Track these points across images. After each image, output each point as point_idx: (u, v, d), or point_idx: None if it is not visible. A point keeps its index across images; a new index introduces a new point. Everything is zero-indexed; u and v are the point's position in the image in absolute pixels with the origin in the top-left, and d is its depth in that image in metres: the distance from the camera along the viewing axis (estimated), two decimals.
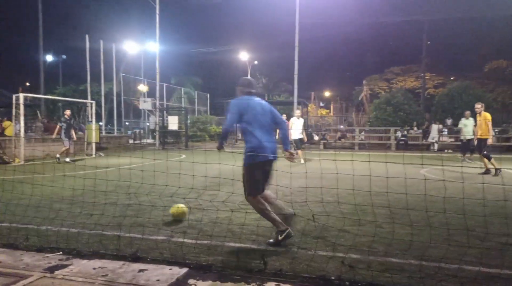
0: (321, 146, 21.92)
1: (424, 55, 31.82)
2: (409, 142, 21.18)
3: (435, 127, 20.21)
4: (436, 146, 19.59)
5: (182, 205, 4.62)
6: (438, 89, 31.50)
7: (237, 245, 3.66)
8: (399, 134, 21.61)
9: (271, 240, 3.75)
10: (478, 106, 9.34)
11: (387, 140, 22.07)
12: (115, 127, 26.39)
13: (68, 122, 12.52)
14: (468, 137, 12.33)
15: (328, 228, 4.21)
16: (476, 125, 9.70)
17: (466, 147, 13.09)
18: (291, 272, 3.00)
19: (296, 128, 12.13)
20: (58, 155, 12.09)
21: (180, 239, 3.83)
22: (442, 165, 10.38)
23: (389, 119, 23.46)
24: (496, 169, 8.85)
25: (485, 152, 8.96)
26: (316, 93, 52.05)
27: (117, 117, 25.72)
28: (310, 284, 2.84)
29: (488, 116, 9.16)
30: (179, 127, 23.80)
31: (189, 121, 25.33)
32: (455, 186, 7.51)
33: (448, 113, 22.84)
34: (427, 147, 20.39)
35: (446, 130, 21.37)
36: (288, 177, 5.23)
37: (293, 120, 12.54)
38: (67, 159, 12.00)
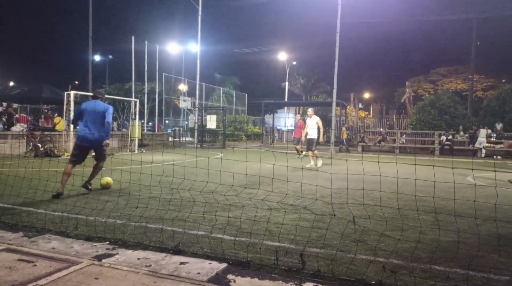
0: (360, 149, 21.43)
1: (473, 56, 30.16)
2: (455, 147, 20.19)
3: (483, 132, 19.13)
4: (483, 152, 18.54)
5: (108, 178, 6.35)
6: (488, 92, 29.80)
7: (276, 244, 3.67)
8: (443, 138, 20.66)
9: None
10: None
11: (430, 144, 21.18)
12: (156, 125, 27.32)
13: None
14: None
15: (369, 232, 4.12)
16: None
17: None
18: (329, 274, 2.97)
19: (309, 127, 11.44)
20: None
21: (220, 235, 3.91)
22: (495, 171, 9.83)
23: (433, 122, 22.48)
24: None
25: None
26: (356, 94, 51.01)
27: (158, 115, 26.61)
28: None
29: None
30: (217, 126, 24.20)
31: (226, 121, 25.70)
32: (504, 194, 7.09)
33: (498, 117, 21.53)
34: (474, 153, 19.35)
35: (494, 135, 20.16)
36: (328, 179, 5.18)
37: (306, 119, 11.92)
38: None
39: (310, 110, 11.78)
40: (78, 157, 6.01)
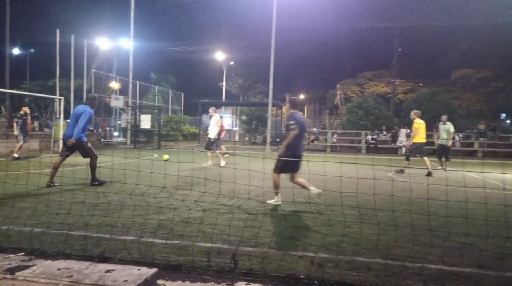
0: None
1: (395, 61, 32.83)
2: (379, 146, 21.78)
3: (403, 132, 20.87)
4: (404, 150, 20.23)
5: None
6: (408, 94, 32.59)
7: (208, 245, 3.64)
8: (369, 137, 22.18)
9: None
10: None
11: (358, 143, 22.60)
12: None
13: (24, 118, 12.16)
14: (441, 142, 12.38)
15: (299, 228, 4.27)
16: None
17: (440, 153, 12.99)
18: (261, 272, 3.02)
19: (210, 126, 11.31)
20: (15, 154, 11.54)
21: (150, 239, 3.77)
22: (409, 167, 10.76)
23: (361, 122, 24.02)
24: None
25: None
26: (291, 95, 52.62)
27: None
28: (280, 283, 2.87)
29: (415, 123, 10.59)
30: (152, 126, 23.40)
31: (162, 120, 24.95)
32: (421, 188, 7.79)
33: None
34: (396, 151, 21.03)
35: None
36: (261, 178, 5.27)
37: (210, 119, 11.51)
38: (15, 155, 11.45)
39: (211, 109, 11.48)
40: (64, 153, 6.93)
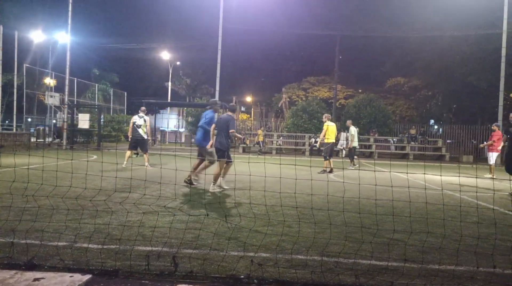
0: (240, 150, 22.29)
1: (337, 68, 34.41)
2: (321, 148, 22.65)
3: (343, 135, 21.93)
4: (344, 152, 21.25)
5: None
6: (348, 100, 34.31)
7: (148, 248, 3.55)
8: (312, 140, 22.99)
9: None
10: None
11: (301, 146, 23.32)
12: (15, 124, 23.60)
13: None
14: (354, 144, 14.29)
15: (241, 229, 4.32)
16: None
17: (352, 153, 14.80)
18: (201, 273, 3.02)
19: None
20: None
21: (85, 245, 3.59)
22: (343, 169, 11.33)
23: (305, 126, 24.83)
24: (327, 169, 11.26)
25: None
26: (238, 97, 52.87)
27: (17, 113, 23.02)
28: (220, 284, 2.89)
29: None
30: (91, 126, 22.20)
31: (102, 120, 23.77)
32: (356, 188, 8.24)
33: (355, 123, 24.99)
34: (337, 153, 22.02)
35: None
36: (203, 180, 5.25)
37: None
38: None
39: (142, 109, 11.07)
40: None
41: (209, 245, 3.73)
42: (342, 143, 21.69)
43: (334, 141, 11.70)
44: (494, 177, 10.98)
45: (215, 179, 6.66)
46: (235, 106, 8.27)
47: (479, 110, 28.82)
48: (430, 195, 7.13)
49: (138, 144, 10.68)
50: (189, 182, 7.16)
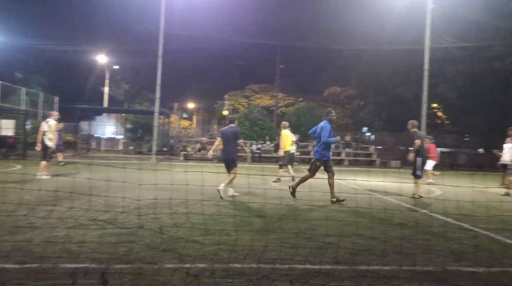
0: (182, 158, 21.86)
1: (278, 77, 35.32)
2: (263, 155, 23.01)
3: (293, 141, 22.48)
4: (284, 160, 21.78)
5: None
6: (289, 107, 35.30)
7: (74, 265, 3.31)
8: (254, 147, 23.26)
9: None
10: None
11: (244, 153, 23.48)
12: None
13: None
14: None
15: (178, 240, 4.20)
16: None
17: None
18: None
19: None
20: None
21: (1, 265, 3.26)
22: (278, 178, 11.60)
23: (247, 133, 25.06)
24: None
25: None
26: (180, 103, 51.90)
27: None
28: None
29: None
30: (16, 133, 20.35)
31: (29, 127, 21.92)
32: (300, 195, 8.46)
33: (295, 130, 25.78)
34: (278, 160, 22.49)
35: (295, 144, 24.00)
36: (139, 190, 5.05)
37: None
38: None
39: (52, 114, 10.68)
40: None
41: (143, 258, 3.58)
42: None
43: (289, 149, 11.80)
44: (433, 181, 11.80)
45: (228, 183, 7.38)
46: (234, 117, 8.69)
47: (406, 119, 31.24)
48: (361, 199, 7.54)
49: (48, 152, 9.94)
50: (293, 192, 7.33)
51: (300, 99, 39.00)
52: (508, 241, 4.66)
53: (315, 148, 7.37)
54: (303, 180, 7.35)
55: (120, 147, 28.85)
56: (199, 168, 16.03)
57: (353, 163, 23.23)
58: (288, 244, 4.21)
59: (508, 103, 27.93)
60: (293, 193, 7.27)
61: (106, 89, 39.47)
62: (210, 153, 8.42)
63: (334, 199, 6.94)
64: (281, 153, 12.03)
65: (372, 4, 24.65)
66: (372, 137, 30.37)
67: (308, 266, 3.53)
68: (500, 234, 4.95)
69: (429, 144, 12.32)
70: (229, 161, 7.65)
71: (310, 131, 7.83)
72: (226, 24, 38.34)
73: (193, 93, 51.04)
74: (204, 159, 21.83)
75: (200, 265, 3.46)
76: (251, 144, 23.60)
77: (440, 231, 4.99)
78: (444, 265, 3.66)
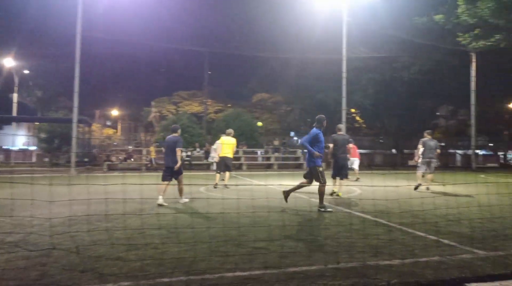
0: (105, 168, 20.58)
1: (206, 83, 35.16)
2: (193, 162, 22.65)
3: (214, 148, 22.41)
4: (215, 165, 21.71)
5: None
6: (218, 114, 35.29)
7: None
8: (184, 154, 22.79)
9: None
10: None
11: (157, 160, 22.86)
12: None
13: None
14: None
15: (99, 258, 3.91)
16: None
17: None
18: None
19: None
20: None
21: None
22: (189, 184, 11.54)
23: None
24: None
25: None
26: (103, 111, 48.89)
27: None
28: None
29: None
30: None
31: None
32: (227, 202, 8.44)
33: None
34: (208, 167, 22.32)
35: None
36: (54, 206, 4.63)
37: None
38: None
39: None
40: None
41: (58, 281, 3.26)
42: (213, 156, 22.10)
43: (225, 155, 11.45)
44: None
45: (181, 193, 7.74)
46: (178, 126, 8.58)
47: (328, 123, 33.25)
48: (289, 202, 7.78)
49: None
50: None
51: (229, 105, 39.24)
52: (418, 233, 5.15)
53: (306, 157, 7.44)
54: (299, 187, 7.34)
55: (34, 159, 26.20)
56: (123, 179, 15.22)
57: (282, 167, 23.94)
58: (218, 252, 4.16)
59: (413, 109, 31.28)
60: (285, 198, 7.21)
61: (15, 96, 35.68)
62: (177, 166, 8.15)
63: (323, 209, 6.91)
64: (216, 158, 12.04)
65: (297, 15, 25.86)
66: (299, 141, 31.70)
67: (238, 273, 3.52)
68: (411, 228, 5.45)
69: (349, 146, 13.35)
70: (170, 170, 7.74)
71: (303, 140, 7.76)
72: (151, 29, 37.12)
73: (117, 100, 48.48)
74: (131, 169, 20.81)
75: (125, 284, 3.26)
76: (181, 152, 23.10)
77: (360, 228, 5.33)
78: (364, 260, 3.91)
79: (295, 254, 4.06)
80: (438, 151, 11.42)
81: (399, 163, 28.45)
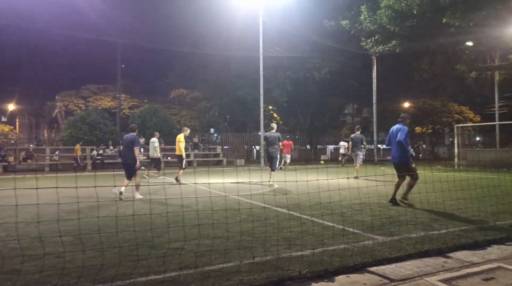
0: (0, 170, 18.23)
1: (119, 77, 33.16)
2: (106, 161, 21.25)
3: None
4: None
5: None
6: (133, 110, 33.57)
7: None
8: (95, 153, 21.27)
9: None
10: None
11: (83, 160, 21.17)
12: None
13: None
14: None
15: None
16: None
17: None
18: None
19: None
20: None
21: None
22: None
23: (85, 137, 22.69)
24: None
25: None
26: None
27: None
28: None
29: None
30: None
31: None
32: (140, 202, 8.07)
33: (141, 133, 24.71)
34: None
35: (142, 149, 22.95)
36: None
37: None
38: None
39: None
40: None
41: None
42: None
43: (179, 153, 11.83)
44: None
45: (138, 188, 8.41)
46: (135, 126, 9.05)
47: (247, 120, 33.83)
48: (208, 200, 7.74)
49: None
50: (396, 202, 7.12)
51: (146, 100, 37.58)
52: (328, 223, 5.52)
53: (393, 154, 7.29)
54: (407, 186, 7.14)
55: None
56: (21, 181, 13.65)
57: (201, 164, 23.74)
58: (130, 256, 3.95)
59: (324, 107, 33.49)
60: (401, 202, 7.09)
61: None
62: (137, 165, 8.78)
63: (406, 201, 7.02)
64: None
65: (216, 12, 25.76)
66: (219, 137, 31.74)
67: (152, 276, 3.39)
68: (320, 218, 5.82)
69: (284, 142, 14.50)
70: (129, 166, 8.40)
71: (386, 140, 7.78)
72: (58, 16, 33.67)
73: (14, 93, 43.13)
74: (32, 170, 18.73)
75: None
76: (92, 150, 21.50)
77: (274, 222, 5.53)
78: (278, 253, 4.06)
79: (212, 252, 4.05)
80: (365, 144, 13.59)
81: (313, 158, 30.23)
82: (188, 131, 12.38)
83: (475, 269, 3.67)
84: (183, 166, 11.82)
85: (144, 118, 25.21)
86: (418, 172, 7.23)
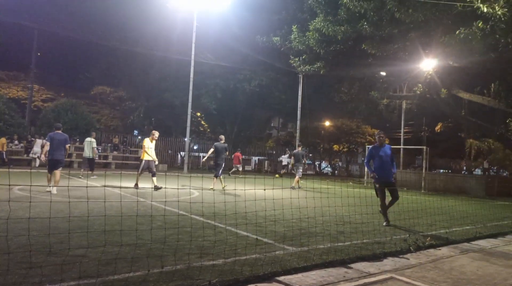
0: None
1: (33, 65, 30.11)
2: (10, 157, 19.04)
3: (39, 142, 19.36)
4: (38, 162, 18.75)
5: None
6: (47, 103, 30.67)
7: None
8: None
9: None
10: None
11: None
12: None
13: None
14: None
15: None
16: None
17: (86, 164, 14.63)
18: None
19: None
20: None
21: None
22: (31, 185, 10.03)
23: None
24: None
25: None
26: None
27: None
28: None
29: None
30: None
31: None
32: (44, 205, 7.36)
33: (52, 129, 22.67)
34: (29, 163, 19.15)
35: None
36: None
37: None
38: None
39: None
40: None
41: None
42: (36, 151, 19.13)
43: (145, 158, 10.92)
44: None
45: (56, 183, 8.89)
46: (60, 124, 9.72)
47: (173, 124, 33.00)
48: (124, 205, 7.34)
49: None
50: None
51: (62, 94, 34.62)
52: (243, 233, 5.58)
53: (382, 172, 7.19)
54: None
55: None
56: None
57: (121, 167, 22.49)
58: (23, 264, 3.56)
59: (251, 118, 34.21)
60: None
61: None
62: (42, 157, 9.46)
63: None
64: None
65: (150, 9, 24.89)
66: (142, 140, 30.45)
67: None
68: (235, 228, 5.87)
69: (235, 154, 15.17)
70: (57, 162, 8.98)
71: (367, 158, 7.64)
72: None
73: None
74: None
75: None
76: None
77: (190, 230, 5.43)
78: (189, 262, 3.99)
79: (118, 260, 3.83)
80: (305, 159, 15.05)
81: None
82: (157, 134, 11.03)
83: (372, 279, 4.00)
84: (140, 171, 10.98)
85: (59, 113, 23.18)
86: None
